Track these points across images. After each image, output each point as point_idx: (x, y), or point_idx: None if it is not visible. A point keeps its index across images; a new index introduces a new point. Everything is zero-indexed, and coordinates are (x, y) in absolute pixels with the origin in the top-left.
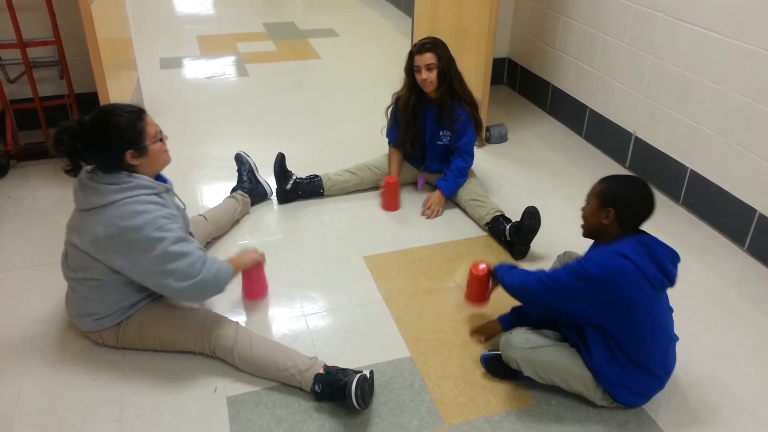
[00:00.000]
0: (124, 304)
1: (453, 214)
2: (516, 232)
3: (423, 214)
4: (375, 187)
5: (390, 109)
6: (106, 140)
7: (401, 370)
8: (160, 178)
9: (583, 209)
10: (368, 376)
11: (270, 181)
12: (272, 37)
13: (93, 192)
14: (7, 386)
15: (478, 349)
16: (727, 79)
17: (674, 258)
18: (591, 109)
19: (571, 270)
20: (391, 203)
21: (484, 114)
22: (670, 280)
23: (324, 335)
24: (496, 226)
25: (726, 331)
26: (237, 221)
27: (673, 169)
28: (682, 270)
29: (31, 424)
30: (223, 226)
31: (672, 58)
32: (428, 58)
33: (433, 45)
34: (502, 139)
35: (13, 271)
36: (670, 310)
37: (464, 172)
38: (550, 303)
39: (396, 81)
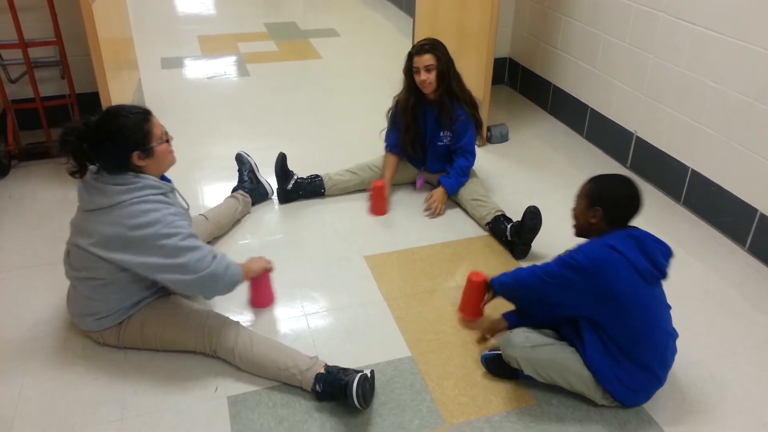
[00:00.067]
0: (126, 303)
1: (454, 214)
2: (517, 232)
3: (426, 210)
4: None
5: (390, 112)
6: (113, 141)
7: (402, 370)
8: (163, 178)
9: (574, 209)
10: (369, 375)
11: (271, 181)
12: (273, 37)
13: (99, 193)
14: (7, 386)
15: (479, 349)
16: (728, 79)
17: (666, 251)
18: (592, 109)
19: (562, 261)
20: (378, 207)
21: (485, 114)
22: (662, 273)
23: (325, 335)
24: (497, 226)
25: (726, 331)
26: (238, 221)
27: (674, 168)
28: (683, 269)
29: (31, 424)
30: (223, 225)
31: (673, 57)
32: (427, 59)
33: (432, 46)
34: (503, 138)
35: (14, 271)
36: (668, 306)
37: (467, 172)
38: (544, 296)
39: (397, 81)
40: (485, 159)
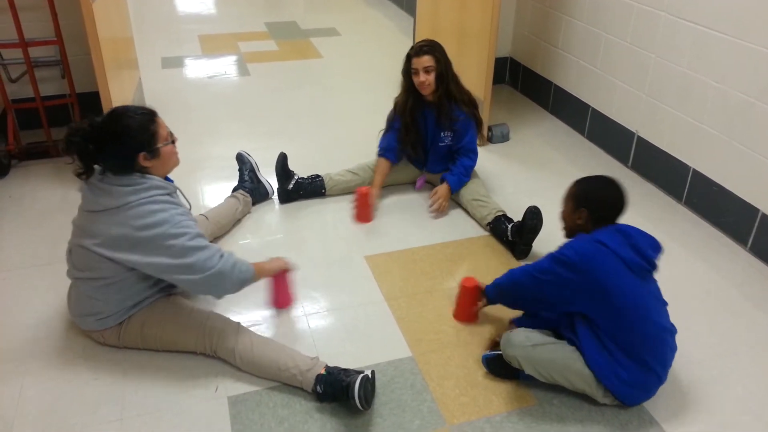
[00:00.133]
0: (127, 303)
1: (455, 214)
2: (518, 232)
3: (431, 207)
4: None
5: (388, 115)
6: (119, 142)
7: (402, 370)
8: (166, 179)
9: (561, 212)
10: (370, 376)
11: (271, 181)
12: (274, 36)
13: (105, 194)
14: (8, 386)
15: (480, 349)
16: (729, 79)
17: (654, 243)
18: (593, 109)
19: (552, 257)
20: (362, 214)
21: (486, 113)
22: (651, 264)
23: (325, 335)
24: (497, 226)
25: (728, 331)
26: (238, 221)
27: (675, 168)
28: (685, 269)
29: (32, 424)
30: (224, 225)
31: (674, 57)
32: (426, 60)
33: (430, 47)
34: (504, 138)
35: (14, 271)
36: (663, 302)
37: (470, 171)
38: (537, 292)
39: (398, 80)
40: (486, 158)
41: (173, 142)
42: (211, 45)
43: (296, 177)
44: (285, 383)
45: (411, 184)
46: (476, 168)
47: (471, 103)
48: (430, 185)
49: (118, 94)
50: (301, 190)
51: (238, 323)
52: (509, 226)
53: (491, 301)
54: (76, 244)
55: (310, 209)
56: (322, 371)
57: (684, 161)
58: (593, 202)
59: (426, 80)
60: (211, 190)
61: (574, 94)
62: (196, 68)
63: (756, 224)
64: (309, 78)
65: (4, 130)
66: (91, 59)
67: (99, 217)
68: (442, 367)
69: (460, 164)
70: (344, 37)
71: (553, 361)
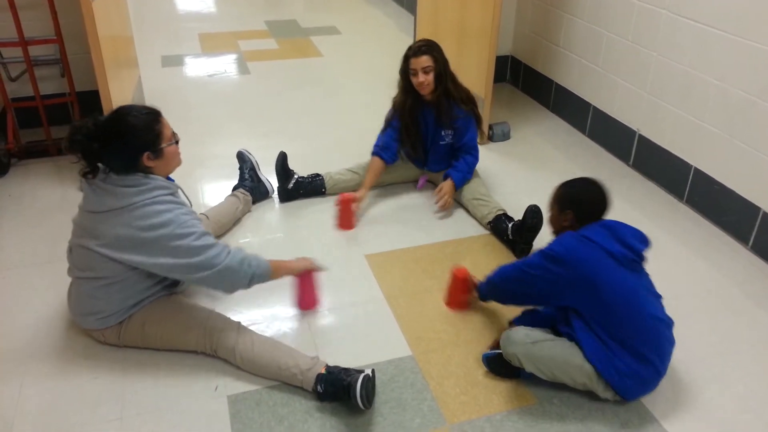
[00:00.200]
0: (128, 302)
1: (455, 213)
2: (518, 231)
3: (437, 203)
4: (376, 187)
5: (387, 115)
6: (124, 141)
7: (403, 369)
8: (167, 178)
9: (549, 217)
10: (371, 375)
11: (272, 179)
12: (274, 34)
13: (108, 194)
14: (8, 385)
15: (480, 348)
16: (730, 77)
17: (640, 236)
18: (594, 107)
19: (541, 252)
20: (345, 221)
21: (486, 112)
22: (637, 254)
23: (325, 334)
24: (498, 225)
25: (729, 330)
26: (239, 220)
27: (676, 167)
28: (686, 268)
29: (32, 423)
30: (224, 224)
31: (676, 55)
32: (424, 60)
33: (428, 47)
34: (505, 137)
35: (14, 270)
36: (657, 296)
37: (473, 167)
38: (528, 287)
39: (398, 79)
40: (487, 157)
41: (177, 142)
42: (211, 43)
43: (296, 176)
44: (285, 382)
45: (411, 184)
46: (477, 167)
47: (469, 100)
48: (431, 184)
49: (117, 93)
50: (301, 189)
51: (239, 322)
52: (510, 225)
53: (483, 298)
54: (77, 243)
55: (310, 208)
56: (323, 370)
57: (685, 159)
58: (577, 203)
59: (425, 80)
60: (211, 188)
61: (575, 93)
62: (196, 67)
63: (757, 223)
64: (309, 77)
65: (3, 128)
66: (91, 58)
67: (103, 218)
68: (442, 366)
69: (463, 161)
70: (344, 35)
71: (553, 357)
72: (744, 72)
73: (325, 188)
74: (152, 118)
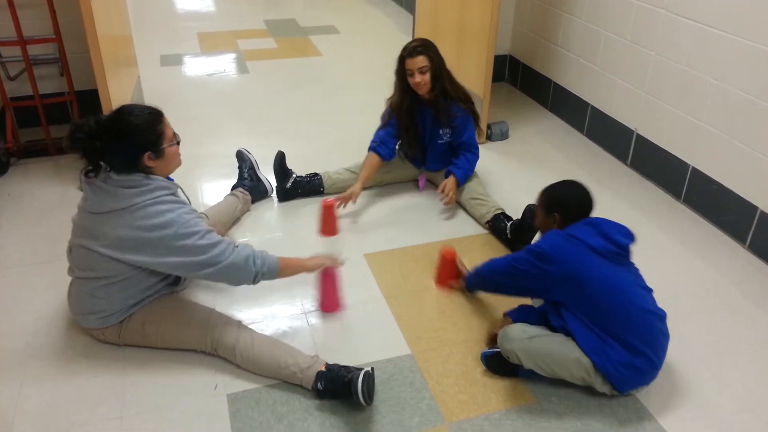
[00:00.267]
0: (129, 302)
1: (454, 213)
2: (517, 230)
3: (442, 199)
4: (375, 186)
5: (384, 113)
6: (126, 140)
7: (402, 368)
8: (167, 178)
9: (535, 221)
10: (371, 372)
11: (271, 179)
12: (273, 34)
13: (109, 195)
14: (8, 384)
15: (479, 347)
16: (729, 76)
17: (623, 230)
18: (593, 107)
19: (528, 249)
20: (327, 228)
21: (485, 111)
22: (620, 247)
23: (324, 333)
24: (496, 225)
25: (727, 329)
26: (238, 219)
27: (674, 166)
28: (684, 267)
29: (32, 422)
30: (224, 223)
31: (674, 55)
32: (421, 61)
33: (424, 47)
34: (504, 136)
35: (13, 269)
36: (647, 289)
37: (474, 165)
38: (517, 280)
39: None
40: (485, 156)
41: (178, 143)
42: (210, 43)
43: (294, 175)
44: (285, 381)
45: (410, 183)
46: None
47: (466, 99)
48: (431, 184)
49: (117, 92)
50: (299, 188)
51: (239, 321)
52: (508, 225)
53: (470, 289)
54: (78, 244)
55: (308, 207)
56: (323, 368)
57: (683, 159)
58: (564, 206)
59: (422, 80)
60: (210, 187)
61: (574, 92)
62: (195, 66)
63: (755, 222)
64: (308, 76)
65: (2, 128)
66: (90, 57)
67: (104, 219)
68: (441, 364)
69: (464, 158)
70: (343, 35)
71: (551, 352)
72: (743, 72)
73: (323, 188)
74: (154, 118)
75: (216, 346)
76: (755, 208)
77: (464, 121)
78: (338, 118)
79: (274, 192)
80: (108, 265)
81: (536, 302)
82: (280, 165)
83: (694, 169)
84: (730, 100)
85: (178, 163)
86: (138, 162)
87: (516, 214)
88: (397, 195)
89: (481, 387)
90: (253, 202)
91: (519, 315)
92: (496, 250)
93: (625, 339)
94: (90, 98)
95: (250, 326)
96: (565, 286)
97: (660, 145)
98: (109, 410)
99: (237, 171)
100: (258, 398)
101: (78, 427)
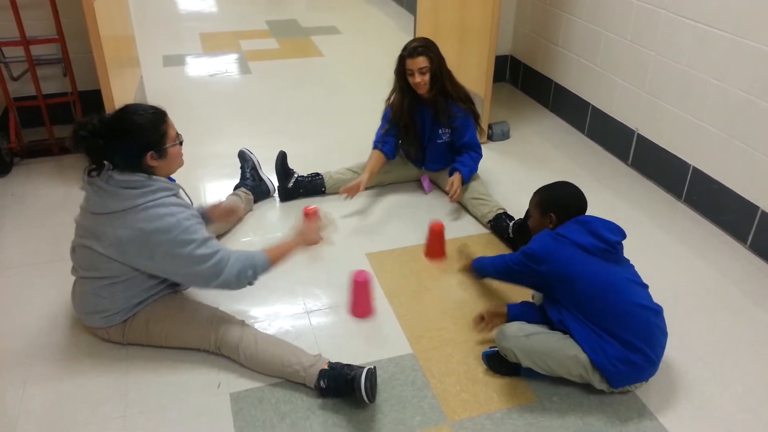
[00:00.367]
0: (133, 301)
1: (456, 212)
2: (519, 230)
3: (451, 197)
4: (376, 186)
5: (384, 112)
6: (129, 139)
7: (404, 367)
8: (168, 178)
9: (529, 222)
10: (373, 369)
11: (273, 179)
12: (275, 34)
13: (110, 196)
14: (11, 383)
15: (481, 346)
16: (729, 76)
17: (612, 227)
18: (593, 107)
19: (522, 251)
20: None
21: (486, 111)
22: (610, 245)
23: (327, 332)
24: (498, 224)
25: (728, 329)
26: (240, 219)
27: (675, 166)
28: (684, 267)
29: (35, 421)
30: (226, 223)
31: (674, 55)
32: (421, 61)
33: (425, 48)
34: (505, 136)
35: (16, 269)
36: (643, 285)
37: (477, 163)
38: (515, 280)
39: None
40: (487, 156)
41: (180, 143)
42: (213, 43)
43: (296, 175)
44: (288, 379)
45: (411, 183)
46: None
47: (467, 98)
48: (435, 185)
49: (119, 93)
50: (300, 188)
51: (242, 321)
52: (510, 224)
53: (476, 272)
54: (80, 244)
55: None
56: (325, 367)
57: (684, 159)
58: (558, 205)
59: (421, 81)
60: (212, 187)
61: (574, 92)
62: (198, 66)
63: (756, 222)
64: (310, 76)
65: (6, 128)
66: (93, 57)
67: (105, 220)
68: (443, 363)
69: (468, 156)
70: (345, 35)
71: (548, 349)
72: (743, 72)
73: (324, 187)
74: (158, 117)
75: (219, 345)
76: (756, 207)
77: (465, 121)
78: (340, 118)
79: (276, 192)
80: (110, 265)
81: (537, 299)
82: (282, 165)
83: (694, 168)
84: (731, 100)
85: (180, 164)
86: (141, 161)
87: (517, 213)
88: (398, 195)
89: (482, 386)
90: (255, 201)
91: (520, 311)
92: (498, 250)
93: (621, 335)
94: (93, 98)
95: (253, 325)
96: (559, 285)
97: (661, 145)
98: (113, 409)
99: (239, 171)
100: (261, 397)
101: (81, 426)
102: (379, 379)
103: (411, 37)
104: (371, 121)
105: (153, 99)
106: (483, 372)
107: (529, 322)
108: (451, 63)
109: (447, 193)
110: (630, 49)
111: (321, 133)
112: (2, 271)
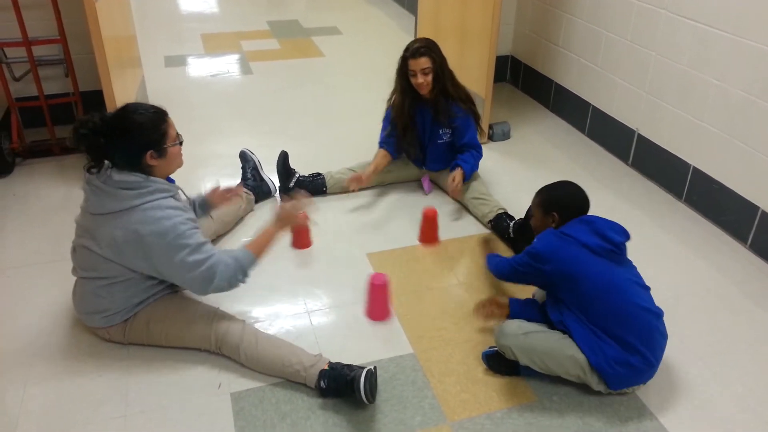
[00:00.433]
0: (133, 301)
1: (456, 212)
2: (519, 230)
3: (453, 191)
4: (377, 186)
5: (385, 113)
6: (130, 138)
7: (404, 367)
8: (167, 179)
9: (531, 222)
10: (373, 370)
11: (274, 179)
12: (276, 35)
13: (108, 196)
14: (12, 383)
15: (481, 346)
16: (729, 77)
17: (617, 227)
18: (594, 107)
19: (527, 251)
20: (301, 240)
21: (486, 112)
22: (616, 246)
23: (327, 332)
24: (499, 224)
25: (728, 329)
26: (241, 219)
27: (675, 166)
28: (685, 267)
29: (36, 421)
30: (228, 223)
31: (675, 55)
32: (424, 62)
33: (427, 48)
34: (505, 136)
35: (18, 268)
36: (645, 287)
37: (478, 161)
38: (520, 278)
39: None
40: (487, 156)
41: (180, 143)
42: (214, 44)
43: (297, 175)
44: (288, 379)
45: (411, 183)
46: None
47: (467, 99)
48: (435, 185)
49: (121, 93)
50: (302, 188)
51: (243, 321)
52: (511, 224)
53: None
54: (80, 244)
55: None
56: (326, 367)
57: (684, 159)
58: (560, 204)
59: (424, 81)
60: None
61: (575, 92)
62: (199, 67)
63: (756, 222)
64: (311, 76)
65: (8, 128)
66: (95, 58)
67: (103, 221)
68: (443, 363)
69: (469, 154)
70: (346, 35)
71: (546, 349)
72: (743, 71)
73: (326, 187)
74: (159, 117)
75: (220, 345)
76: (756, 207)
77: (465, 121)
78: (341, 118)
79: (277, 192)
80: (108, 266)
81: (539, 296)
82: (283, 165)
83: (695, 168)
84: (731, 100)
85: (180, 164)
86: (140, 160)
87: (518, 213)
88: (399, 195)
89: (482, 386)
90: (256, 202)
91: (521, 308)
92: (499, 250)
93: (621, 336)
94: (95, 99)
95: (253, 325)
96: (562, 284)
97: (661, 145)
98: (113, 409)
99: (240, 171)
100: (261, 397)
101: (82, 426)
102: (379, 379)
103: (412, 38)
104: (372, 121)
105: (154, 99)
106: (483, 372)
107: (530, 320)
108: (452, 63)
109: (448, 192)
110: (630, 50)
111: (322, 133)
112: (3, 270)
